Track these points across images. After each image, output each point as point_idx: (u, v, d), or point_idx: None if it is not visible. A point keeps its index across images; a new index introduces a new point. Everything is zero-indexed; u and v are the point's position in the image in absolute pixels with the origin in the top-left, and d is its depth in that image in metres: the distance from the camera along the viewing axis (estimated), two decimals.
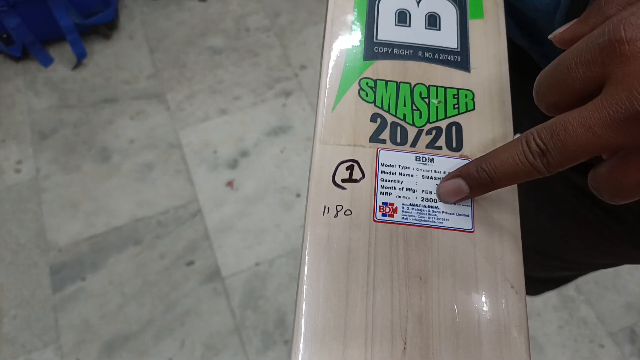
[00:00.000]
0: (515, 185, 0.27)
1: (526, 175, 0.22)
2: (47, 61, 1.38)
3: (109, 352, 1.03)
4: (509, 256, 0.25)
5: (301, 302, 0.24)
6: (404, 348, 0.23)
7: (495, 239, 0.26)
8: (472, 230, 0.26)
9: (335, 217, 0.26)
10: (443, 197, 0.26)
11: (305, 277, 0.24)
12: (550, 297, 1.09)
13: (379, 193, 0.27)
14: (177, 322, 1.06)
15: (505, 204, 0.27)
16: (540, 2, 0.33)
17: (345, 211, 0.26)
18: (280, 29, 1.45)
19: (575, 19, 0.23)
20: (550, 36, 0.24)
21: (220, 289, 1.09)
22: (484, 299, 0.24)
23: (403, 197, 0.26)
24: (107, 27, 1.42)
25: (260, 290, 1.08)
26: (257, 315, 1.06)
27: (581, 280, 1.11)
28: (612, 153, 0.21)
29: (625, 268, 1.13)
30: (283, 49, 1.41)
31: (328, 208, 0.26)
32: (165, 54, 1.41)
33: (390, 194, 0.27)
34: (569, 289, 1.10)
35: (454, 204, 0.26)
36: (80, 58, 1.37)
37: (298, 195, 1.19)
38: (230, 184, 1.21)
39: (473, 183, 0.25)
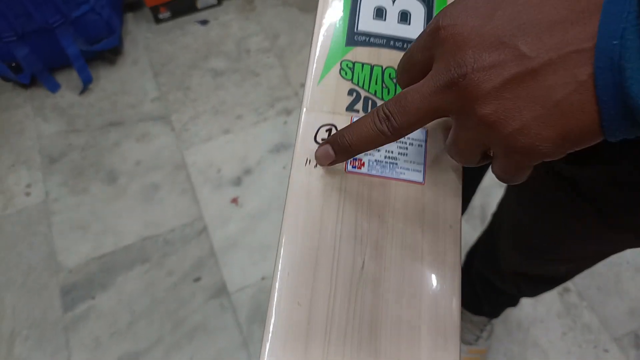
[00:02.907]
0: None
1: (376, 139, 0.27)
2: (54, 87, 1.43)
3: None
4: (450, 202, 0.32)
5: (283, 233, 0.30)
6: (362, 267, 0.30)
7: (440, 189, 0.32)
8: (423, 182, 0.32)
9: (315, 167, 0.32)
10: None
11: (288, 211, 0.31)
12: (553, 304, 1.10)
13: None
14: (186, 339, 1.07)
15: (450, 165, 0.33)
16: None
17: None
18: (280, 49, 1.49)
19: None
20: None
21: (227, 304, 1.10)
22: (427, 233, 0.31)
23: (369, 154, 0.33)
24: (112, 53, 1.46)
25: (267, 305, 1.10)
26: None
27: (583, 287, 1.12)
28: (450, 118, 0.26)
29: (627, 273, 1.14)
30: (283, 69, 1.45)
31: (310, 160, 0.32)
32: (169, 77, 1.45)
33: None
34: (572, 295, 1.11)
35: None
36: (86, 83, 1.41)
37: None
38: (234, 201, 1.24)
39: (337, 149, 0.30)
